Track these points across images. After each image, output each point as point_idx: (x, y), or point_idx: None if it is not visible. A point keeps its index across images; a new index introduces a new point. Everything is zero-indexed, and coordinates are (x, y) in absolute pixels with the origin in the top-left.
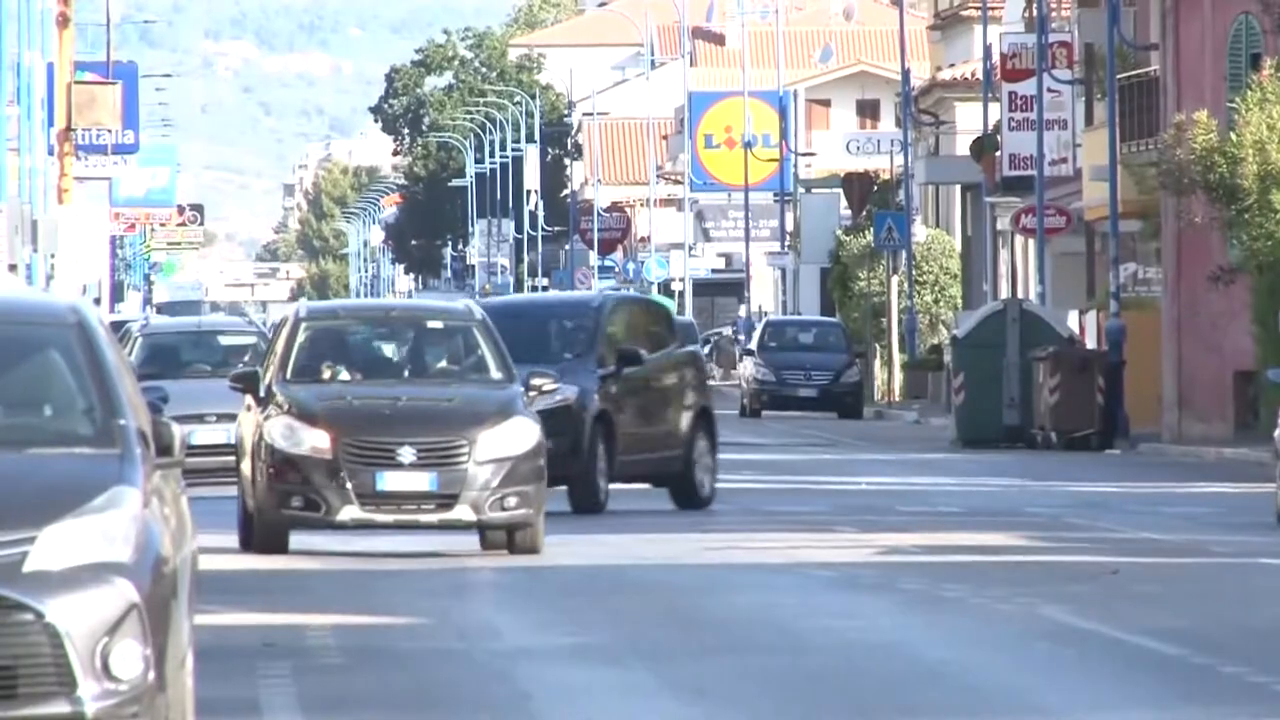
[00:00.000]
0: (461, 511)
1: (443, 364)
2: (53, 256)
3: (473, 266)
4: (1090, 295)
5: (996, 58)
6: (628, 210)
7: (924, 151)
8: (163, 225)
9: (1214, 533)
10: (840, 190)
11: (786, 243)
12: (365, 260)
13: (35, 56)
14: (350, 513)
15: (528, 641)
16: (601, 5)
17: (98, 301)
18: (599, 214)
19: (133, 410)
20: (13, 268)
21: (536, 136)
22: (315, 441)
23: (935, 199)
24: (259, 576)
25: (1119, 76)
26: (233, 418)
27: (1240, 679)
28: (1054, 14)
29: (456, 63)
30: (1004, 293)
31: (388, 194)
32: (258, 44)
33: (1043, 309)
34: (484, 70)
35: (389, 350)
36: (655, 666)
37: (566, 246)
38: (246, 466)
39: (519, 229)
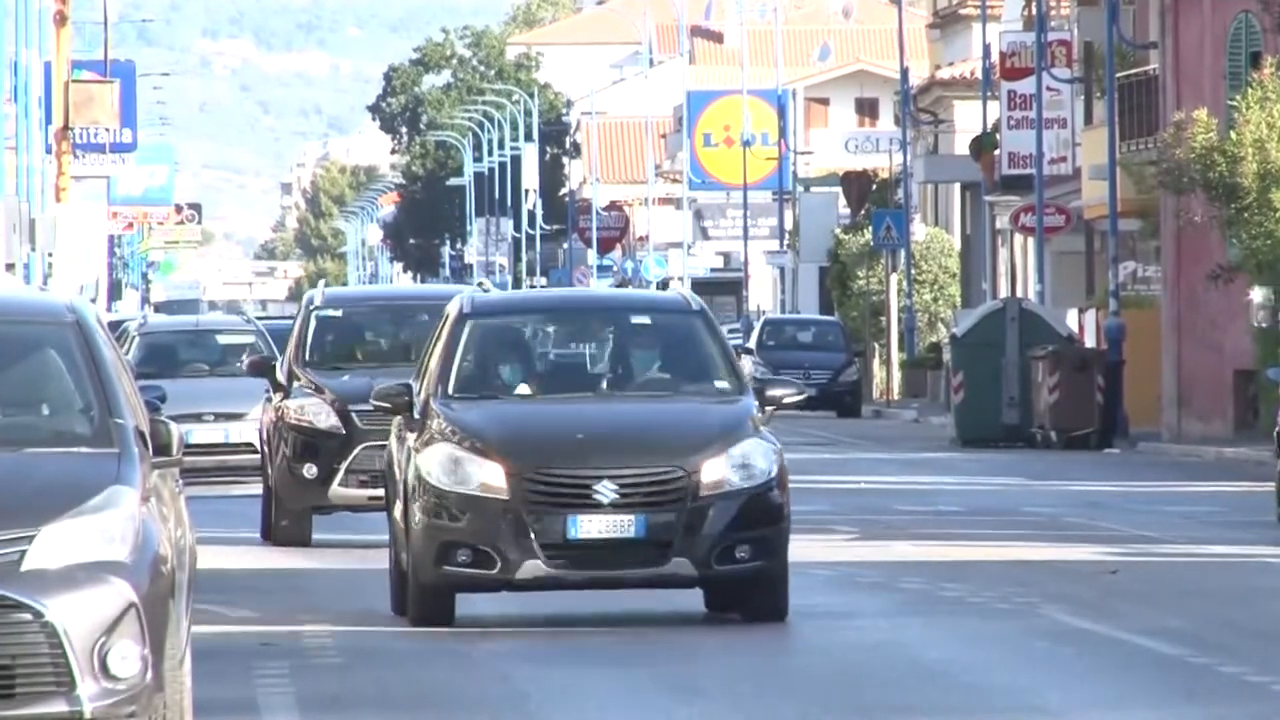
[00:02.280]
0: (679, 565)
1: (652, 371)
2: (50, 255)
3: (471, 265)
4: (1089, 294)
5: (995, 56)
6: (626, 209)
7: (923, 150)
8: (160, 224)
9: (1214, 532)
10: (839, 189)
11: (785, 241)
12: (363, 259)
13: (33, 55)
14: (534, 569)
15: (526, 641)
16: (600, 4)
17: (95, 300)
18: (597, 213)
19: (130, 409)
20: (10, 266)
21: (535, 135)
22: (487, 477)
23: (934, 198)
24: (257, 576)
25: (1118, 75)
26: (231, 417)
27: (1240, 679)
28: (1053, 12)
29: (455, 61)
30: (1003, 291)
31: (386, 193)
32: (256, 43)
33: (1042, 308)
34: (482, 69)
35: (581, 355)
36: (653, 666)
37: (565, 245)
38: (398, 511)
39: (517, 228)
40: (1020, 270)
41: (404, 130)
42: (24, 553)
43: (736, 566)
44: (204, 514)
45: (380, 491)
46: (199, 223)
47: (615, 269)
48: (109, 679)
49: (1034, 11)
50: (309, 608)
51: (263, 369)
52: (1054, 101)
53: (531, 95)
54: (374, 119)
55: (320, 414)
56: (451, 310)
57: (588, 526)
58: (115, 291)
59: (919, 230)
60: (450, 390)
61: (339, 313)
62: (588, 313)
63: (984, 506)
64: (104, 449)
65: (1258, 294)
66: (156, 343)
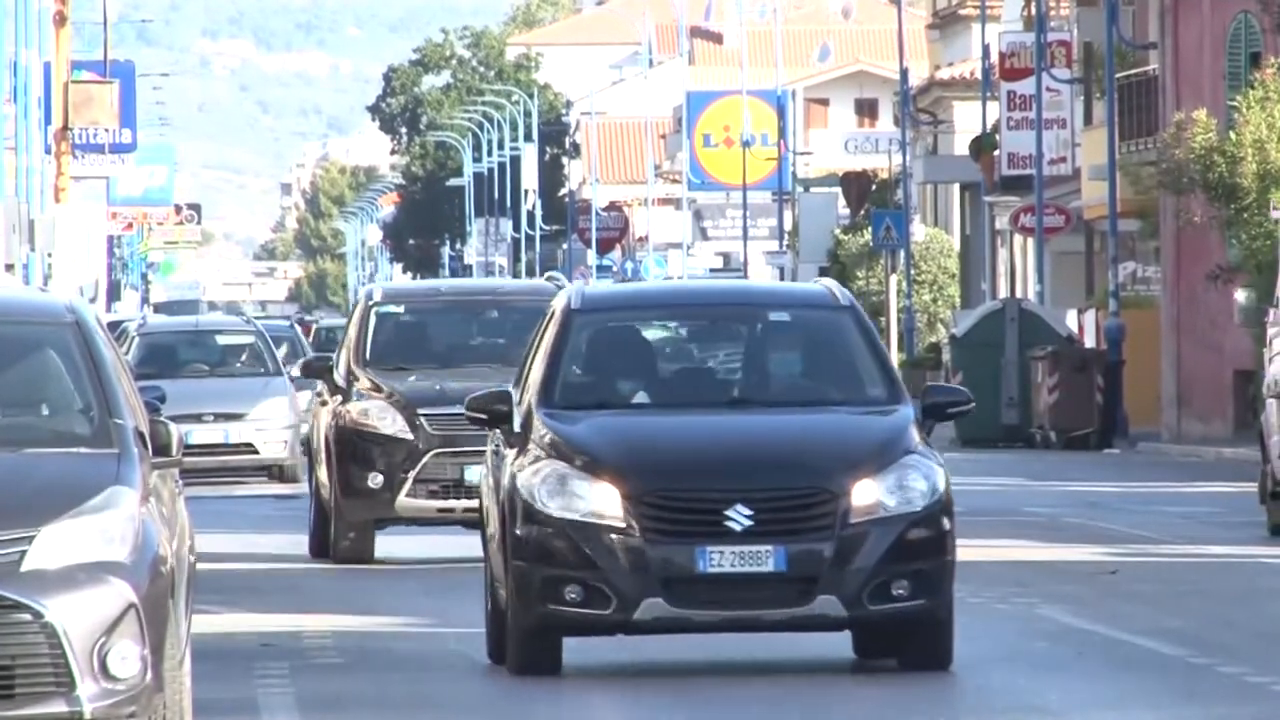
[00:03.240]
0: (826, 604)
1: (793, 377)
2: (50, 256)
3: (470, 266)
4: (1089, 294)
5: (995, 57)
6: (626, 209)
7: (922, 150)
8: (160, 224)
9: (1213, 532)
10: (838, 189)
11: (785, 242)
12: (363, 259)
13: (32, 55)
14: (654, 608)
15: None
16: (599, 4)
17: (94, 301)
18: (597, 213)
19: (130, 410)
20: (10, 267)
21: (534, 135)
22: (599, 501)
23: (934, 198)
24: (257, 577)
25: (1118, 75)
26: (230, 417)
27: (1240, 679)
28: (1052, 13)
29: (454, 62)
30: (1002, 292)
31: (385, 193)
32: (255, 43)
33: (1041, 308)
34: (482, 69)
35: (710, 358)
36: (652, 667)
37: (564, 246)
38: (495, 540)
39: (517, 228)
40: (1020, 271)
41: (403, 130)
42: (24, 553)
43: (893, 606)
44: (204, 514)
45: (452, 503)
46: (198, 223)
47: (615, 269)
48: (109, 679)
49: (1033, 12)
50: (309, 608)
51: (317, 370)
52: (1053, 102)
53: (531, 96)
54: (373, 119)
55: (385, 418)
56: (557, 306)
57: (718, 558)
58: (115, 292)
59: (918, 231)
60: (556, 399)
61: (400, 309)
62: (717, 309)
63: (983, 506)
64: (104, 449)
65: (1240, 294)
66: (156, 343)
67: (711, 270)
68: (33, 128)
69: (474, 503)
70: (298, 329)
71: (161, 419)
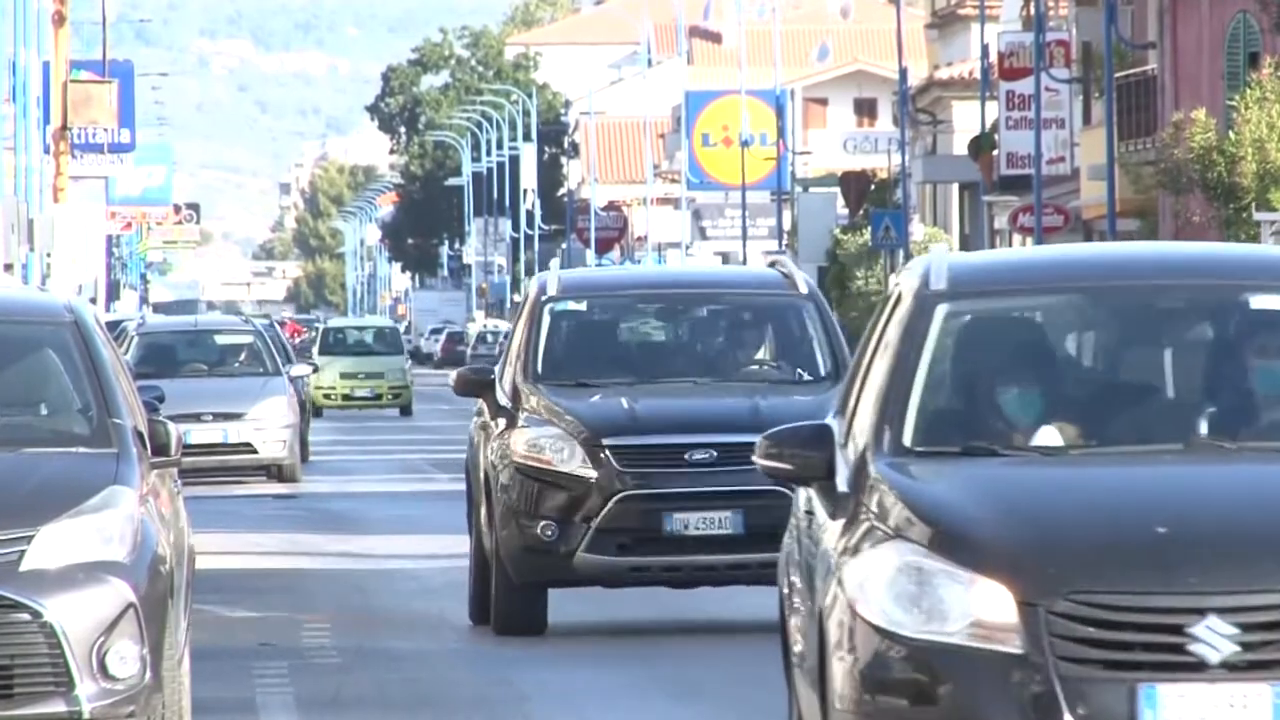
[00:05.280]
0: None
1: (1260, 409)
2: (49, 255)
3: (469, 265)
4: None
5: (994, 56)
6: (625, 209)
7: (921, 150)
8: (159, 224)
9: None
10: (837, 189)
11: (784, 241)
12: (361, 259)
13: (31, 55)
14: None
15: (524, 642)
16: (598, 4)
17: (94, 300)
18: (596, 213)
19: (129, 410)
20: (9, 267)
21: (533, 135)
22: (982, 608)
23: (933, 198)
24: (256, 576)
25: (1116, 75)
26: (229, 417)
27: None
28: (1051, 13)
29: (453, 61)
30: None
31: (384, 193)
32: (254, 43)
33: None
34: (480, 69)
35: (1158, 375)
36: (652, 668)
37: (563, 245)
38: (805, 683)
39: (515, 228)
40: None
41: (402, 130)
42: (23, 553)
43: None
44: (202, 514)
45: (647, 559)
46: (197, 223)
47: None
48: (108, 679)
49: (1032, 12)
50: (308, 608)
51: (474, 386)
52: (1052, 101)
53: (530, 95)
54: (372, 119)
55: (561, 450)
56: (905, 293)
57: (1178, 707)
58: (113, 292)
59: (917, 230)
60: (907, 440)
61: (583, 306)
62: (1167, 301)
63: None
64: (102, 449)
65: None
66: (155, 343)
67: None
68: (31, 127)
69: (676, 559)
70: (278, 328)
71: (160, 419)
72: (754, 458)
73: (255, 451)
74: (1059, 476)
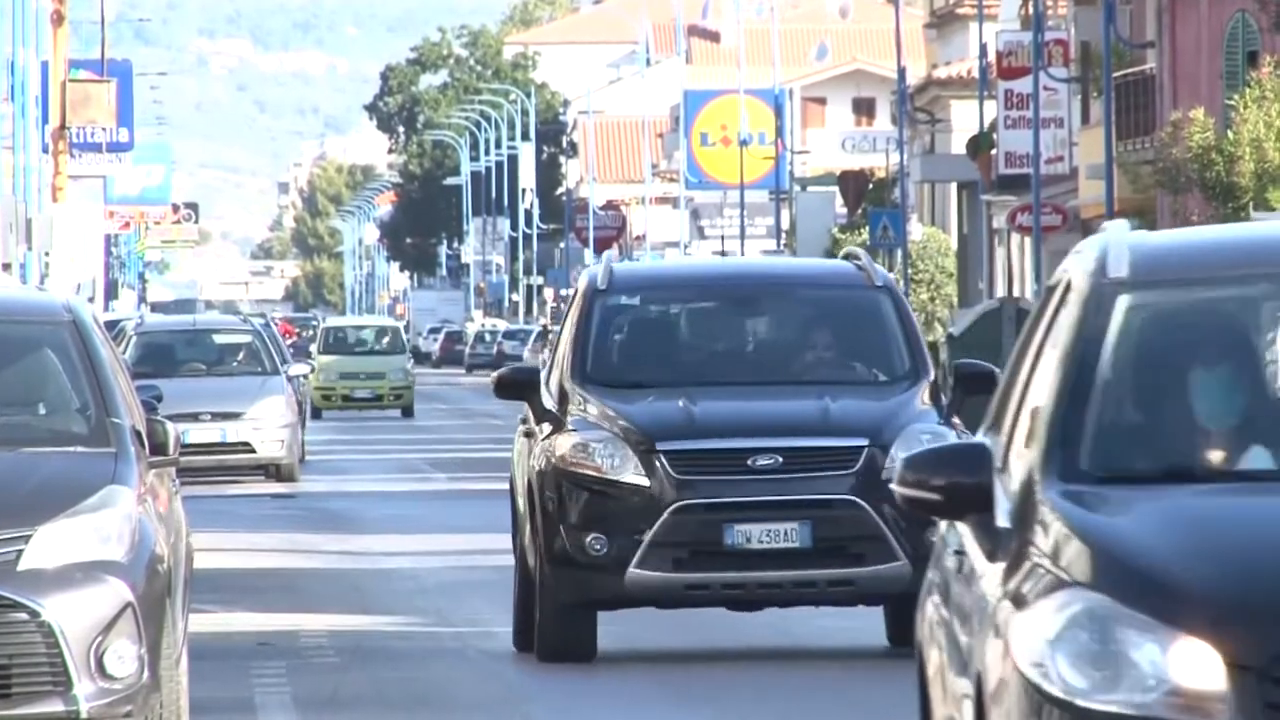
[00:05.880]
0: None
1: None
2: (47, 254)
3: (468, 265)
4: None
5: (992, 56)
6: (623, 208)
7: (919, 149)
8: (157, 223)
9: None
10: (836, 188)
11: (782, 241)
12: (360, 259)
13: (30, 54)
14: None
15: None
16: (597, 3)
17: (92, 300)
18: (594, 212)
19: (127, 409)
20: (7, 266)
21: (532, 134)
22: (1182, 673)
23: (931, 197)
24: (254, 576)
25: (1115, 74)
26: (227, 416)
27: None
28: (1050, 12)
29: (451, 61)
30: (1000, 291)
31: (382, 192)
32: (253, 42)
33: None
34: (479, 68)
35: None
36: (651, 669)
37: (561, 245)
38: None
39: (514, 227)
40: (1017, 269)
41: (401, 130)
42: (20, 552)
43: None
44: (201, 513)
45: (706, 576)
46: (196, 222)
47: None
48: (105, 678)
49: (1030, 11)
50: (305, 607)
51: (518, 389)
52: (1051, 101)
53: (528, 95)
54: (371, 118)
55: (612, 456)
56: (1077, 282)
57: None
58: (112, 291)
59: (916, 230)
60: (1084, 463)
61: (638, 300)
62: None
63: None
64: (100, 449)
65: None
66: (153, 342)
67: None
68: (30, 127)
69: (738, 575)
70: (273, 328)
71: (158, 418)
72: (892, 486)
73: (253, 451)
74: (1274, 509)
